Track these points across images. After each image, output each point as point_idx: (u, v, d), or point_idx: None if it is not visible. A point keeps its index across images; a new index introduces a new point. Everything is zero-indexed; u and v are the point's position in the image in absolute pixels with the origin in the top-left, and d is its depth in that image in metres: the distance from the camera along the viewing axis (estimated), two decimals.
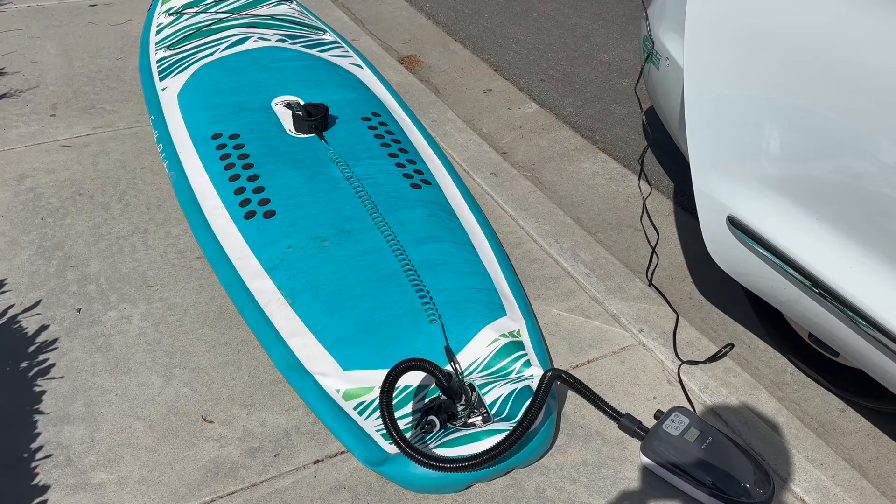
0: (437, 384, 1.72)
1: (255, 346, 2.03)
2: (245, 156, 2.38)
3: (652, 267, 2.51)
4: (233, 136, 2.47)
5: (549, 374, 1.74)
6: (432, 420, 1.68)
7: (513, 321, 1.96)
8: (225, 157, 2.40)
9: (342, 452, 1.75)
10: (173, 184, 2.41)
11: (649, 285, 2.39)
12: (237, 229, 2.15)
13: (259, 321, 1.94)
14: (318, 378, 1.81)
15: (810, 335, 2.06)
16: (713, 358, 2.04)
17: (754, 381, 1.99)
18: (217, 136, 2.49)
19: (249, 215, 2.18)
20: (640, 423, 1.78)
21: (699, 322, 2.34)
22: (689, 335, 2.12)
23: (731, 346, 2.09)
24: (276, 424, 1.82)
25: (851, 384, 2.04)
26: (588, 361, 2.03)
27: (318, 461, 1.74)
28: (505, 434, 1.61)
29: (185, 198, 2.32)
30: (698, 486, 1.64)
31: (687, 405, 1.90)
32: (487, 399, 1.76)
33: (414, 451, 1.54)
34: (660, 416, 1.79)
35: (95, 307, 2.15)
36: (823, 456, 1.78)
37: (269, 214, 2.17)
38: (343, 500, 1.65)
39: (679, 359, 2.03)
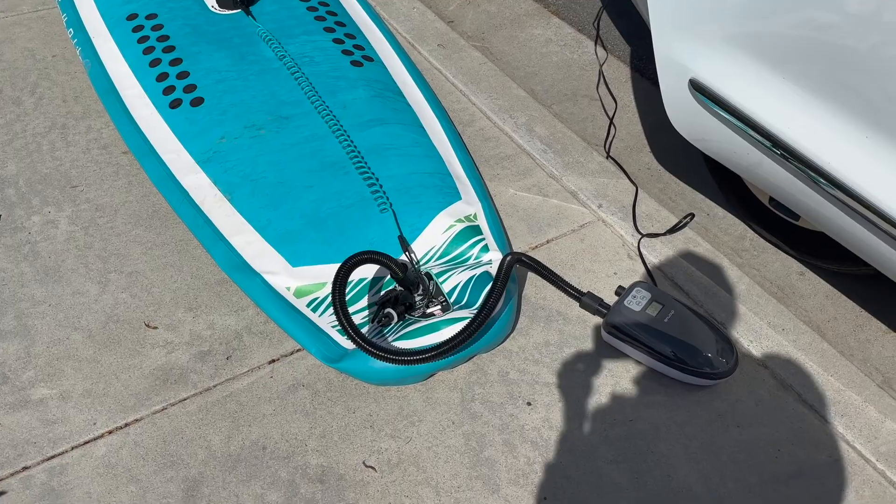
0: (392, 276, 1.64)
1: (196, 245, 1.91)
2: (165, 38, 2.15)
3: (609, 138, 2.41)
4: (150, 17, 2.23)
5: (508, 258, 1.67)
6: (389, 313, 1.61)
7: (468, 205, 1.86)
8: (143, 39, 2.17)
9: (298, 350, 1.69)
10: (89, 72, 2.18)
11: (607, 158, 2.30)
12: (163, 120, 1.97)
13: (196, 219, 1.81)
14: (267, 277, 1.71)
15: (771, 199, 2.02)
16: (673, 229, 2.00)
17: (714, 251, 1.95)
18: (133, 16, 2.24)
19: (175, 104, 1.99)
20: (602, 300, 1.74)
21: (658, 193, 2.28)
22: (649, 207, 2.06)
23: (692, 216, 2.04)
24: (225, 326, 1.73)
25: (811, 247, 2.03)
26: (547, 241, 1.96)
27: (273, 361, 1.67)
28: (465, 322, 1.55)
29: (102, 88, 2.11)
30: (662, 359, 1.63)
31: (648, 279, 1.87)
32: (446, 287, 1.69)
33: (372, 346, 1.48)
34: (621, 292, 1.75)
35: (17, 213, 1.98)
36: (784, 321, 1.78)
37: (197, 102, 1.98)
38: (302, 398, 1.60)
39: (639, 232, 1.98)
